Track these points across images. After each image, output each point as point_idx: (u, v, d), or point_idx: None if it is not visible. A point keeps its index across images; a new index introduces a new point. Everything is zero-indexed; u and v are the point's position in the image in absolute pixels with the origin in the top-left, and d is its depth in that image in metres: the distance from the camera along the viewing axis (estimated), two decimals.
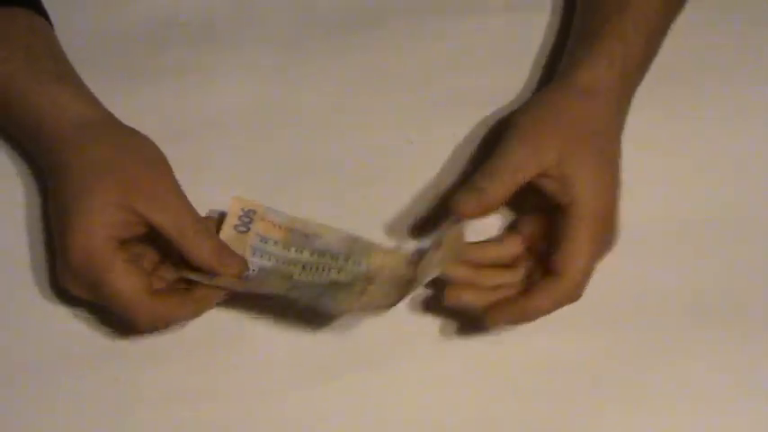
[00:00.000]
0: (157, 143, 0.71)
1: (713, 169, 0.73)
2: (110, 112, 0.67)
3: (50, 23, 0.70)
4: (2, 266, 0.68)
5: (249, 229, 0.66)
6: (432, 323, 0.68)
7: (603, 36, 0.68)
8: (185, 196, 0.64)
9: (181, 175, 0.70)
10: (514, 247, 0.67)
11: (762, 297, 0.69)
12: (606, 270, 0.69)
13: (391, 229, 0.70)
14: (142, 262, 0.64)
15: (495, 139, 0.67)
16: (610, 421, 0.66)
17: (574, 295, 0.63)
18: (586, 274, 0.63)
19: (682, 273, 0.70)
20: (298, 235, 0.67)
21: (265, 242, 0.67)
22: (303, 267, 0.66)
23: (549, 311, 0.63)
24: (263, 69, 0.75)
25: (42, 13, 0.70)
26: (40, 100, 0.65)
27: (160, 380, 0.66)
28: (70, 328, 0.67)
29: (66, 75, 0.67)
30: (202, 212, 0.67)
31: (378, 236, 0.70)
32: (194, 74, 0.74)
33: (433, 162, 0.72)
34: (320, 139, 0.73)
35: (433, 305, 0.68)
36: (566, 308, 0.68)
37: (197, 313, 0.64)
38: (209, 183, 0.71)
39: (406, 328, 0.68)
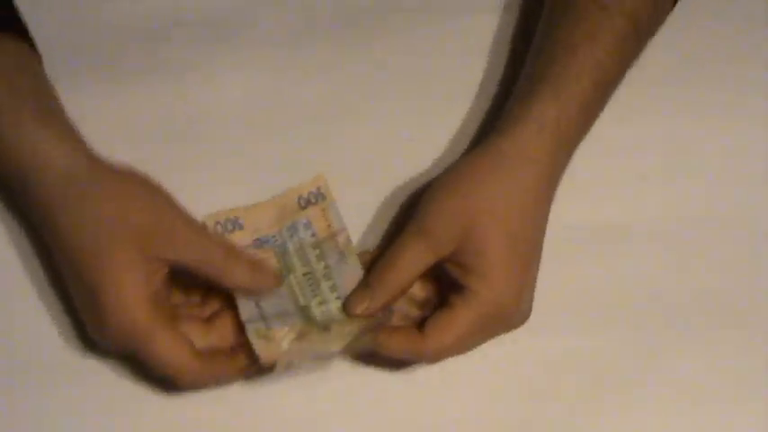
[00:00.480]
0: (157, 142, 0.72)
1: (713, 169, 0.73)
2: (95, 156, 0.63)
3: (38, 53, 0.67)
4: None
5: (306, 208, 0.66)
6: None
7: (537, 95, 0.64)
8: (198, 224, 0.63)
9: (180, 175, 0.70)
10: (429, 289, 0.65)
11: (761, 297, 0.69)
12: (606, 270, 0.70)
13: (391, 228, 0.70)
14: (185, 306, 0.63)
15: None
16: (610, 421, 0.66)
17: (429, 359, 0.63)
18: (449, 349, 0.62)
19: (681, 272, 0.70)
20: (333, 246, 0.66)
21: (306, 228, 0.66)
22: (305, 275, 0.65)
23: (398, 356, 0.63)
24: (263, 68, 0.74)
25: (28, 39, 0.66)
26: (21, 148, 0.61)
27: (160, 380, 0.66)
28: (68, 330, 0.67)
29: (48, 113, 0.63)
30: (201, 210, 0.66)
31: (377, 235, 0.70)
32: (194, 73, 0.74)
33: (434, 161, 0.72)
34: (320, 138, 0.73)
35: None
36: (566, 308, 0.68)
37: (240, 375, 0.63)
38: (210, 182, 0.71)
39: None
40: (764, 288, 0.70)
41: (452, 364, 0.67)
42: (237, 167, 0.72)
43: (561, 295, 0.68)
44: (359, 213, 0.70)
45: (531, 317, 0.64)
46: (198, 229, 0.62)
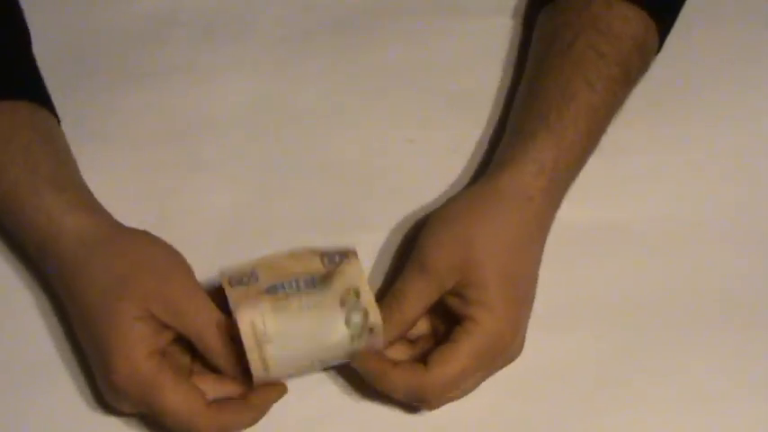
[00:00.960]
0: (157, 143, 0.72)
1: (713, 169, 0.73)
2: (109, 218, 0.65)
3: (55, 114, 0.68)
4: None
5: (336, 266, 0.64)
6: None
7: (537, 137, 0.65)
8: (204, 296, 0.62)
9: (180, 175, 0.71)
10: (422, 325, 0.65)
11: (761, 297, 0.69)
12: (607, 270, 0.70)
13: (391, 229, 0.70)
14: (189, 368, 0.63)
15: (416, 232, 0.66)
16: (610, 421, 0.66)
17: (432, 394, 0.62)
18: (453, 383, 0.62)
19: (682, 273, 0.70)
20: (354, 299, 0.63)
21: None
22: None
23: (401, 391, 0.62)
24: (262, 69, 0.75)
25: (46, 103, 0.67)
26: (37, 217, 0.63)
27: None
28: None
29: (62, 178, 0.64)
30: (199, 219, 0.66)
31: (377, 235, 0.70)
32: (194, 73, 0.74)
33: (434, 161, 0.72)
34: (320, 138, 0.73)
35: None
36: (566, 308, 0.68)
37: (255, 420, 0.62)
38: (209, 183, 0.71)
39: None
40: (764, 288, 0.70)
41: None
42: (236, 168, 0.72)
43: (562, 295, 0.68)
44: (361, 213, 0.70)
45: (532, 316, 0.64)
46: (199, 305, 0.62)
